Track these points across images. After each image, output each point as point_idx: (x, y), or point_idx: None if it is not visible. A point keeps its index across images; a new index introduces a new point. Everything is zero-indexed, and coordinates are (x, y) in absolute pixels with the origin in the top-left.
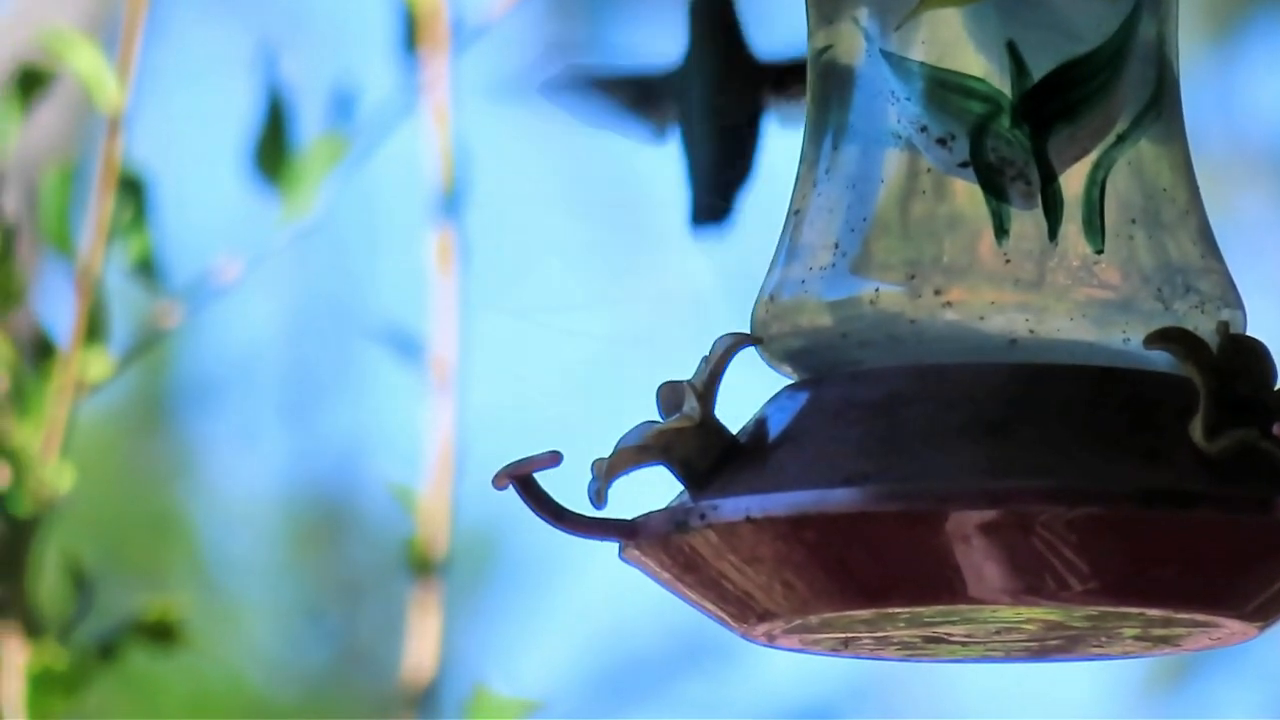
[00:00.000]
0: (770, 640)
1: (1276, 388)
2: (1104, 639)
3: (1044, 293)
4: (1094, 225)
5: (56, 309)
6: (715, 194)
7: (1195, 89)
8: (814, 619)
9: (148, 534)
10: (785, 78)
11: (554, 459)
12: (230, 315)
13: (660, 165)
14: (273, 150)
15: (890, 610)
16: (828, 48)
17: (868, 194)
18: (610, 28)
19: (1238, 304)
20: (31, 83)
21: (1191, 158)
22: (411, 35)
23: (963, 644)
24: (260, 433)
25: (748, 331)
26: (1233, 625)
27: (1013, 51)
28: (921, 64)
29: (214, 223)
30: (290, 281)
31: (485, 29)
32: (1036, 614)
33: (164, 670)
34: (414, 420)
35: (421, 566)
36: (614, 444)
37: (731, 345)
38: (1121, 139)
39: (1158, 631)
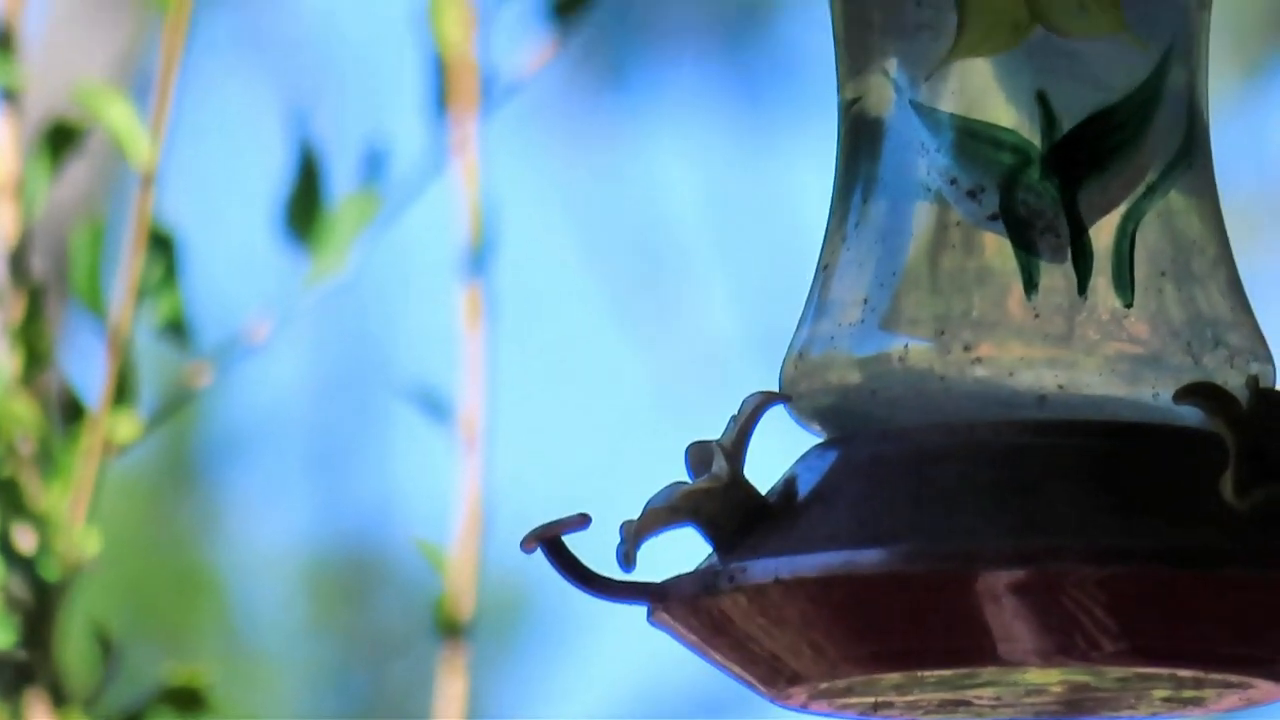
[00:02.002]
0: (799, 704)
1: None
2: (1133, 700)
3: (1073, 348)
4: (1123, 278)
5: (85, 367)
6: None
7: (1223, 129)
8: (843, 682)
9: (176, 592)
10: None
11: (582, 521)
12: (259, 372)
13: (688, 225)
14: (304, 209)
15: (920, 673)
16: (857, 99)
17: (897, 248)
18: (635, 73)
19: (1268, 358)
20: (63, 139)
21: (1222, 207)
22: (443, 93)
23: (992, 707)
24: (289, 490)
25: (776, 389)
26: (1264, 685)
27: (1043, 102)
28: (951, 115)
29: (244, 280)
30: (319, 338)
31: (516, 87)
32: (1066, 675)
33: None
34: (442, 478)
35: (449, 626)
36: (643, 504)
37: (760, 404)
38: (1151, 190)
39: (1188, 693)
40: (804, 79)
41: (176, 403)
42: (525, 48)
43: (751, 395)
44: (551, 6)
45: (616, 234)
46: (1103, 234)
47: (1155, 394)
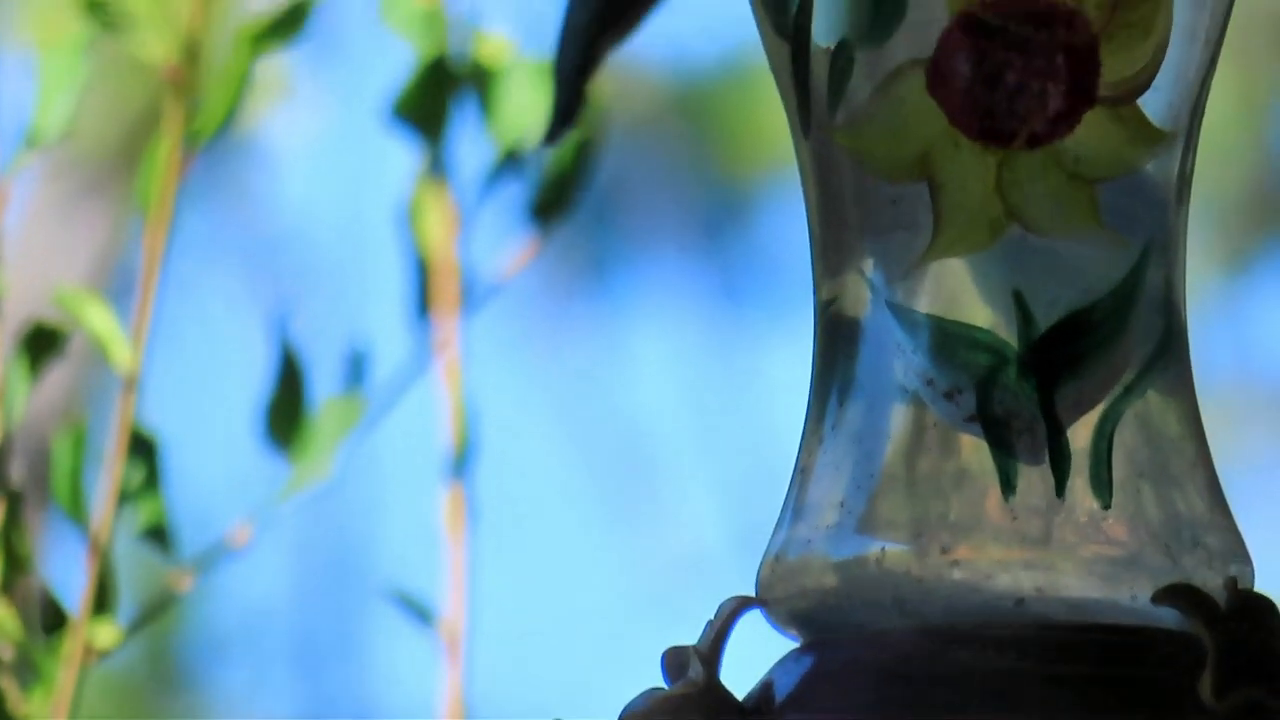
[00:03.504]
0: None
1: None
2: None
3: (1051, 550)
4: (1101, 479)
5: (66, 572)
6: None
7: (1204, 321)
8: None
9: None
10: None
11: None
12: (240, 573)
13: (669, 423)
14: (285, 414)
15: None
16: (833, 300)
17: (874, 450)
18: (615, 270)
19: (1246, 559)
20: (43, 343)
21: (1199, 407)
22: (425, 294)
23: None
24: (271, 693)
25: (753, 593)
26: None
27: (1019, 301)
28: (928, 315)
29: (227, 484)
30: (301, 539)
31: (498, 288)
32: None
33: None
34: (424, 681)
35: None
36: (620, 710)
37: (736, 609)
38: (1129, 390)
39: None
40: (784, 277)
41: (158, 608)
42: (507, 248)
43: (727, 600)
44: (532, 208)
45: (598, 433)
46: (1080, 435)
47: (1133, 595)
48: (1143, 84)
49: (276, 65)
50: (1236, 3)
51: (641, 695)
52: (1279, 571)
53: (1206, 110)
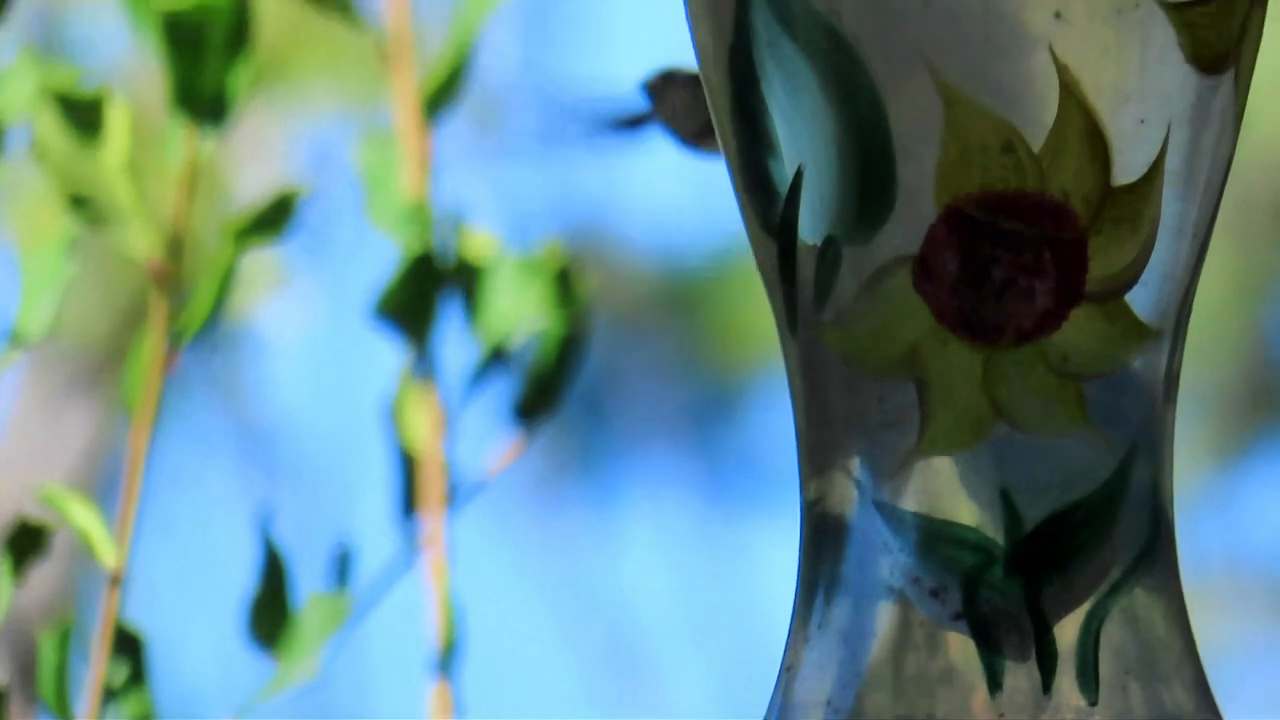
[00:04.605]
0: None
1: None
2: None
3: None
4: (1088, 677)
5: None
6: None
7: (1196, 511)
8: None
9: None
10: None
11: None
12: None
13: (659, 616)
14: (270, 613)
15: None
16: (819, 500)
17: (860, 649)
18: (603, 462)
19: None
20: (28, 542)
21: (1187, 600)
22: (410, 490)
23: None
24: None
25: None
26: None
27: (1006, 499)
28: (915, 514)
29: (212, 682)
30: None
31: (484, 484)
32: None
33: None
34: None
35: None
36: None
37: None
38: (1116, 588)
39: None
40: (774, 471)
41: None
42: (493, 445)
43: None
44: (518, 406)
45: (586, 628)
46: (1067, 632)
47: None
48: (1130, 279)
49: (264, 259)
50: (1233, 187)
51: None
52: None
53: (1201, 297)
